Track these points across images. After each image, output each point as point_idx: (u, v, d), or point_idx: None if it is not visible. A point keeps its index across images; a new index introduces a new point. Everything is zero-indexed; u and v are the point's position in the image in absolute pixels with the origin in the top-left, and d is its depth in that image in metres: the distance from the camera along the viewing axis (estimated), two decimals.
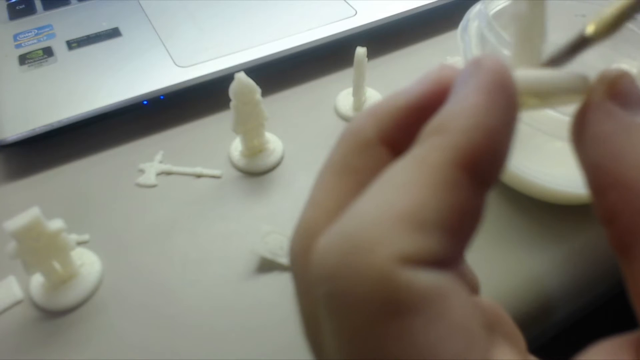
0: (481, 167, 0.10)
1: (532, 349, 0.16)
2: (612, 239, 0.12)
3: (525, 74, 0.12)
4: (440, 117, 0.11)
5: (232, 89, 0.29)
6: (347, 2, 0.41)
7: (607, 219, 0.12)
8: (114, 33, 0.39)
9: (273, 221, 0.29)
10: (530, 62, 0.14)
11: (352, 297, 0.09)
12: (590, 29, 0.13)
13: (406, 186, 0.10)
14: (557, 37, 0.32)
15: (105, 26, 0.40)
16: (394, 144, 0.13)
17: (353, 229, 0.10)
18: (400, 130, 0.12)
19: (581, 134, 0.12)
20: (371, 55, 0.34)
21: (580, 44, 0.14)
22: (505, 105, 0.11)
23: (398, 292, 0.09)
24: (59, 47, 0.38)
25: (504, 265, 0.28)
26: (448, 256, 0.10)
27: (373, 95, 0.37)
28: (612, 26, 0.13)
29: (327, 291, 0.10)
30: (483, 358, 0.09)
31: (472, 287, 0.15)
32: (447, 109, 0.11)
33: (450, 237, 0.10)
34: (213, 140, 0.34)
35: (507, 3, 0.30)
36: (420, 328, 0.09)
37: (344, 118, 0.36)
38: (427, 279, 0.09)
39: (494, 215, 0.30)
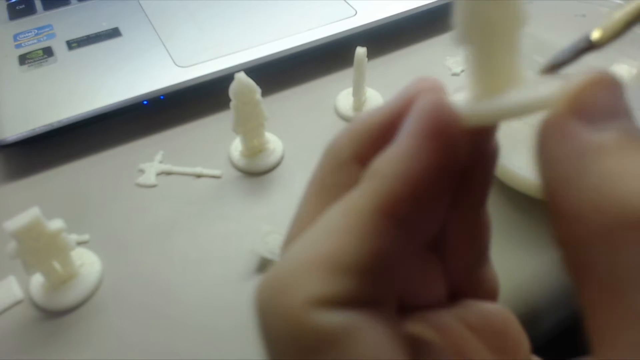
0: (403, 214, 0.11)
1: (533, 349, 0.16)
2: (565, 264, 0.11)
3: (475, 108, 0.12)
4: (376, 161, 0.11)
5: (232, 89, 0.29)
6: (347, 2, 0.41)
7: (557, 243, 0.10)
8: (114, 33, 0.39)
9: (273, 221, 0.29)
10: (498, 82, 0.12)
11: (272, 335, 0.11)
12: (596, 35, 0.13)
13: (332, 230, 0.11)
14: (556, 37, 0.32)
15: (105, 26, 0.40)
16: (369, 162, 0.12)
17: (280, 270, 0.11)
18: (375, 148, 0.12)
19: (538, 153, 0.11)
20: (371, 55, 0.34)
21: (585, 48, 0.13)
22: (435, 149, 0.11)
23: (306, 332, 0.10)
24: (59, 47, 0.38)
25: (504, 265, 0.28)
26: (367, 297, 0.11)
27: (373, 95, 0.37)
28: (618, 32, 0.12)
29: (259, 323, 0.11)
30: None
31: (490, 293, 0.15)
32: (383, 153, 0.11)
33: (367, 279, 0.11)
34: (213, 140, 0.34)
35: None
36: None
37: (344, 118, 0.36)
38: (334, 319, 0.10)
39: (494, 215, 0.30)
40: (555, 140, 0.10)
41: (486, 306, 0.14)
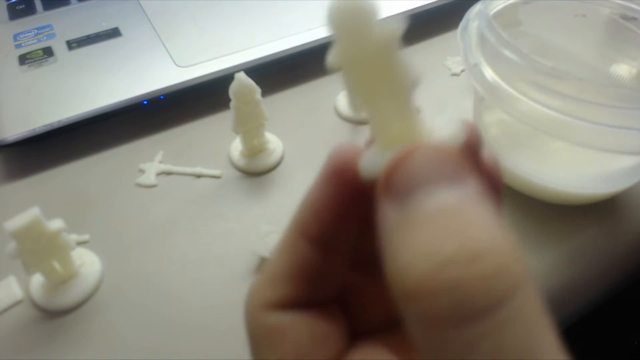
0: (312, 232, 0.14)
1: None
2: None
3: (362, 163, 0.13)
4: None
5: (232, 89, 0.29)
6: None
7: None
8: (114, 33, 0.39)
9: (273, 221, 0.29)
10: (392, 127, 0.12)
11: (246, 331, 0.14)
12: None
13: (276, 251, 0.14)
14: (556, 37, 0.32)
15: (105, 26, 0.40)
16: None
17: (252, 283, 0.14)
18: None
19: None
20: None
21: None
22: (331, 184, 0.14)
23: (255, 328, 0.13)
24: (59, 47, 0.38)
25: None
26: (299, 298, 0.13)
27: None
28: None
29: None
30: None
31: None
32: None
33: (295, 285, 0.13)
34: (213, 140, 0.34)
35: (507, 3, 0.30)
36: (263, 354, 0.13)
37: (344, 118, 0.36)
38: (271, 319, 0.13)
39: None
40: (378, 215, 0.11)
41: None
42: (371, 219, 0.14)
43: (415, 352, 0.11)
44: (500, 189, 0.14)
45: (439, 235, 0.10)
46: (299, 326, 0.13)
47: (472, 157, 0.13)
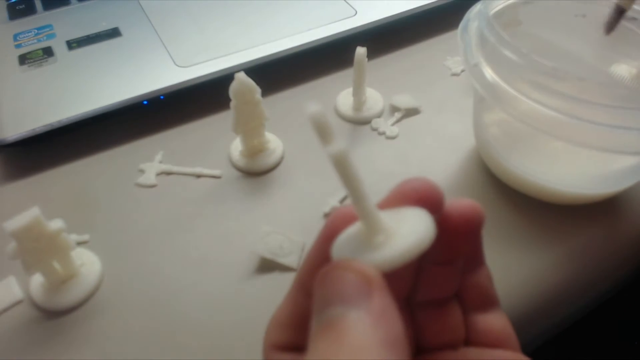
0: (307, 285, 0.16)
1: (532, 349, 0.16)
2: None
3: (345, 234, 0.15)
4: None
5: (232, 89, 0.29)
6: (347, 2, 0.41)
7: None
8: (114, 33, 0.39)
9: (273, 221, 0.29)
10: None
11: None
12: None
13: (283, 300, 0.17)
14: (556, 37, 0.32)
15: (105, 26, 0.40)
16: None
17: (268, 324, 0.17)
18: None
19: None
20: (371, 55, 0.34)
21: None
22: (322, 246, 0.16)
23: None
24: (59, 47, 0.38)
25: (503, 265, 0.28)
26: (296, 342, 0.16)
27: (373, 95, 0.37)
28: None
29: None
30: None
31: (499, 340, 0.17)
32: None
33: (294, 330, 0.16)
34: (213, 140, 0.34)
35: (507, 3, 0.30)
36: None
37: (344, 118, 0.36)
38: (275, 357, 0.16)
39: (494, 215, 0.30)
40: None
41: (492, 353, 0.17)
42: None
43: None
44: (473, 234, 0.16)
45: (317, 354, 0.12)
46: None
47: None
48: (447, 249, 0.16)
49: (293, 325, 0.16)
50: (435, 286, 0.17)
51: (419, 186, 0.15)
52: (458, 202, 0.15)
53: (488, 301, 0.18)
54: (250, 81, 0.29)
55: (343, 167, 0.13)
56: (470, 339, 0.17)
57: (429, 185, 0.15)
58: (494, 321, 0.17)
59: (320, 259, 0.15)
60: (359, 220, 0.14)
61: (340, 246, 0.15)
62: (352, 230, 0.15)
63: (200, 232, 0.29)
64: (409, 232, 0.13)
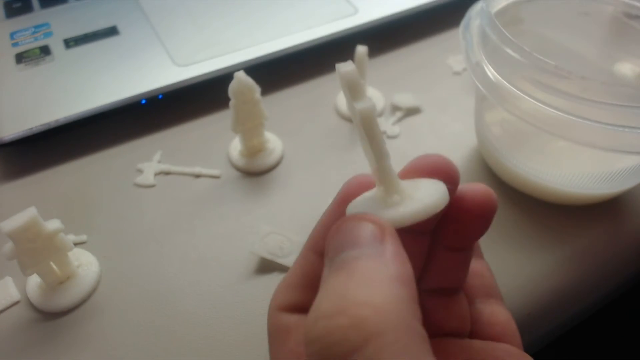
0: (318, 246, 0.16)
1: (536, 350, 0.16)
2: None
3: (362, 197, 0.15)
4: None
5: (232, 88, 0.28)
6: (348, 0, 0.41)
7: None
8: (111, 31, 0.39)
9: (272, 221, 0.29)
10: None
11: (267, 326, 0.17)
12: None
13: (293, 266, 0.17)
14: (560, 35, 0.31)
15: (102, 24, 0.39)
16: None
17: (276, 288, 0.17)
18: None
19: None
20: (372, 53, 0.34)
21: None
22: (336, 209, 0.16)
23: (270, 325, 0.16)
24: (57, 46, 0.38)
25: (505, 266, 0.27)
26: (303, 302, 0.16)
27: (374, 94, 0.37)
28: None
29: None
30: None
31: (500, 334, 0.18)
32: None
33: (302, 290, 0.16)
34: (212, 140, 0.34)
35: (509, 1, 0.30)
36: (273, 348, 0.16)
37: (344, 117, 0.36)
38: (283, 319, 0.16)
39: (496, 215, 0.30)
40: None
41: (496, 346, 0.17)
42: None
43: None
44: (486, 217, 0.16)
45: (324, 294, 0.12)
46: (302, 328, 0.15)
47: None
48: (460, 233, 0.16)
49: (302, 286, 0.16)
50: (445, 273, 0.17)
51: (435, 160, 0.15)
52: (473, 185, 0.16)
53: (492, 292, 0.18)
54: (249, 80, 0.28)
55: (369, 124, 0.13)
56: (475, 332, 0.17)
57: (445, 160, 0.15)
58: (499, 314, 0.18)
59: (332, 222, 0.15)
60: (375, 184, 0.15)
61: (355, 206, 0.15)
62: (368, 193, 0.15)
63: (199, 232, 0.29)
64: (424, 195, 0.14)
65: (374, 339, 0.11)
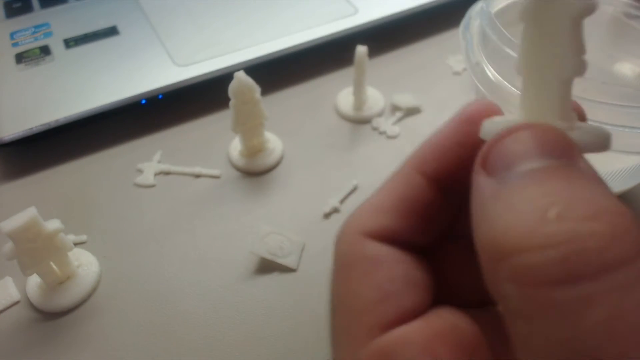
0: (428, 167, 0.14)
1: None
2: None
3: (494, 120, 0.13)
4: None
5: (232, 88, 0.28)
6: (348, 0, 0.41)
7: None
8: (111, 31, 0.39)
9: (273, 221, 0.29)
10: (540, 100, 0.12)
11: (335, 251, 0.14)
12: None
13: (383, 186, 0.15)
14: None
15: (102, 24, 0.39)
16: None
17: (351, 213, 0.14)
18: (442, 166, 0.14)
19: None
20: (372, 53, 0.34)
21: None
22: (456, 131, 0.14)
23: (348, 253, 0.13)
24: (57, 46, 0.38)
25: None
26: (402, 232, 0.14)
27: (373, 94, 0.37)
28: None
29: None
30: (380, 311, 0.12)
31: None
32: None
33: (402, 218, 0.14)
34: (212, 140, 0.34)
35: (509, 1, 0.30)
36: (352, 280, 0.13)
37: (345, 117, 0.36)
38: (369, 247, 0.13)
39: None
40: (473, 190, 0.12)
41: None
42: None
43: (498, 336, 0.11)
44: None
45: (546, 192, 0.09)
46: (395, 263, 0.13)
47: None
48: None
49: (399, 210, 0.14)
50: None
51: (484, 106, 0.13)
52: None
53: None
54: (249, 80, 0.28)
55: (577, 21, 0.11)
56: None
57: (491, 104, 0.14)
58: None
59: (451, 142, 0.14)
60: (520, 107, 0.12)
61: (493, 124, 0.12)
62: (507, 117, 0.13)
63: (199, 232, 0.29)
64: (592, 127, 0.11)
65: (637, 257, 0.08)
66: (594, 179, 0.10)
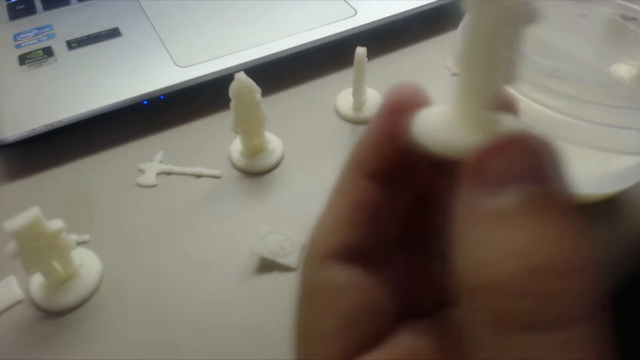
0: (369, 166, 0.13)
1: None
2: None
3: (423, 114, 0.12)
4: None
5: (232, 89, 0.29)
6: (347, 2, 0.41)
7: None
8: (114, 33, 0.39)
9: (273, 221, 0.29)
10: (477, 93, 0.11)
11: (300, 277, 0.13)
12: None
13: (332, 198, 0.14)
14: (557, 38, 0.32)
15: (105, 26, 0.40)
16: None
17: (311, 233, 0.14)
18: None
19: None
20: (371, 55, 0.34)
21: None
22: (386, 120, 0.13)
23: (311, 281, 0.13)
24: (59, 47, 0.38)
25: None
26: (360, 243, 0.13)
27: (373, 95, 0.37)
28: None
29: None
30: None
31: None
32: None
33: (356, 227, 0.13)
34: (213, 140, 0.34)
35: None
36: (314, 309, 0.13)
37: (344, 118, 0.36)
38: (330, 273, 0.13)
39: None
40: (459, 198, 0.11)
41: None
42: (427, 193, 0.14)
43: (457, 342, 0.11)
44: None
45: (533, 240, 0.09)
46: (355, 290, 0.13)
47: None
48: None
49: (353, 219, 0.13)
50: None
51: (407, 93, 0.13)
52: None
53: None
54: (250, 81, 0.29)
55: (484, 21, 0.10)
56: None
57: (413, 88, 0.13)
58: None
59: (383, 136, 0.13)
60: (459, 99, 0.12)
61: (429, 127, 0.12)
62: (436, 113, 0.12)
63: (200, 232, 0.29)
64: (514, 124, 0.11)
65: (597, 314, 0.09)
66: (569, 215, 0.10)
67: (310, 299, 0.13)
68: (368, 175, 0.13)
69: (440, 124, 0.12)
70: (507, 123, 0.11)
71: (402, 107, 0.13)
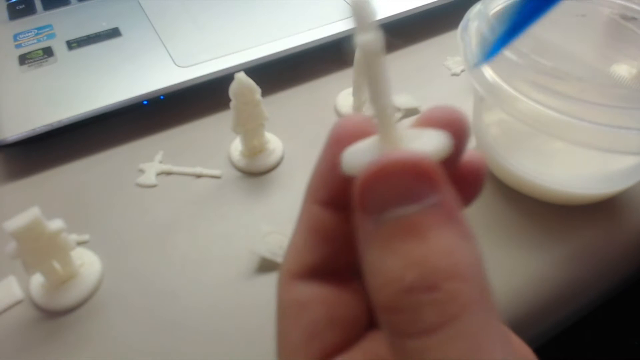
0: (319, 195, 0.15)
1: (535, 347, 0.16)
2: None
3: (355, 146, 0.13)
4: None
5: (232, 89, 0.29)
6: (347, 2, 0.41)
7: None
8: (114, 33, 0.39)
9: (273, 221, 0.29)
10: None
11: (276, 294, 0.15)
12: None
13: (296, 224, 0.15)
14: (556, 37, 0.32)
15: (105, 26, 0.40)
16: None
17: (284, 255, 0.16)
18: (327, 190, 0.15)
19: None
20: None
21: None
22: (329, 152, 0.14)
23: (280, 299, 0.15)
24: (59, 47, 0.38)
25: (504, 266, 0.28)
26: (321, 263, 0.14)
27: None
28: None
29: None
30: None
31: None
32: None
33: (314, 250, 0.14)
34: (213, 141, 0.34)
35: (507, 3, 0.30)
36: (283, 325, 0.14)
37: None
38: (296, 291, 0.14)
39: (494, 215, 0.30)
40: (355, 221, 0.12)
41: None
42: None
43: None
44: (480, 184, 0.15)
45: (403, 264, 0.11)
46: (317, 305, 0.14)
47: (453, 157, 0.13)
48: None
49: (312, 244, 0.15)
50: None
51: (444, 112, 0.14)
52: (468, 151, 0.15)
53: None
54: (250, 81, 0.29)
55: (373, 59, 0.12)
56: None
57: (455, 112, 0.14)
58: None
59: (327, 167, 0.14)
60: (375, 128, 0.13)
61: (351, 156, 0.13)
62: (363, 143, 0.13)
63: (200, 231, 0.29)
64: (425, 143, 0.12)
65: (468, 311, 0.11)
66: (447, 223, 0.11)
67: (282, 315, 0.15)
68: (319, 202, 0.15)
69: (361, 150, 0.13)
70: (412, 141, 0.13)
71: (342, 140, 0.14)
